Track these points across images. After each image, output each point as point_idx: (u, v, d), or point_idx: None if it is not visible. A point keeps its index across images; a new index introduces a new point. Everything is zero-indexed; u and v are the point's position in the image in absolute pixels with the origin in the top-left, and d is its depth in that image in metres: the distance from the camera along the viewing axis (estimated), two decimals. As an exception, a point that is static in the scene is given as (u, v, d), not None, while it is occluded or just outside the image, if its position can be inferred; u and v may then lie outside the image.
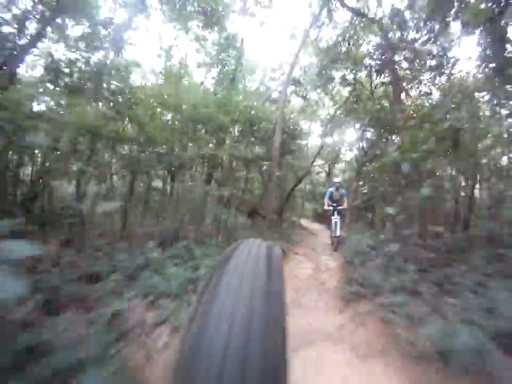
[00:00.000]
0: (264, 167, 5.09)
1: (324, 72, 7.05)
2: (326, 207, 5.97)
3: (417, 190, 2.89)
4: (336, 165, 14.74)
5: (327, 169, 14.61)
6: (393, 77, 5.18)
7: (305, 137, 12.59)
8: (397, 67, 5.49)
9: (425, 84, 5.91)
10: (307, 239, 6.91)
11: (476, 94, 3.90)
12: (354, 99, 7.53)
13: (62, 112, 2.84)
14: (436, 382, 1.20)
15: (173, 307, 1.82)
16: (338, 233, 5.52)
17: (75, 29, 3.73)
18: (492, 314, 1.34)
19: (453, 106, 3.54)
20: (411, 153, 3.09)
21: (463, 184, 4.28)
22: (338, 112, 9.89)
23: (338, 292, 2.59)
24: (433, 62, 5.35)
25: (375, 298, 2.14)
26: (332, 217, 5.75)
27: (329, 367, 1.39)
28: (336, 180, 6.25)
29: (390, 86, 5.67)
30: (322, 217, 10.65)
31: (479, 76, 4.19)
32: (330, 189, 6.10)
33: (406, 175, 3.33)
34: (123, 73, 3.58)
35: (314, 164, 13.29)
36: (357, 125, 9.31)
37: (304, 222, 11.95)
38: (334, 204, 5.82)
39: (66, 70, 3.15)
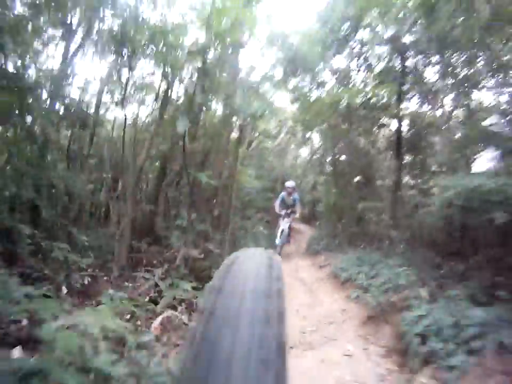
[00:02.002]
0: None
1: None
2: (278, 211, 5.78)
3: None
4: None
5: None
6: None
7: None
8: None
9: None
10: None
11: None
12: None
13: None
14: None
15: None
16: (283, 242, 5.55)
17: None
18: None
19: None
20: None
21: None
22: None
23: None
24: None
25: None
26: (281, 223, 5.61)
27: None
28: (288, 184, 5.91)
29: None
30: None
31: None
32: (282, 193, 5.89)
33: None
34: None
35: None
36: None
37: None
38: (288, 210, 5.69)
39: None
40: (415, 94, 5.93)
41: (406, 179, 7.75)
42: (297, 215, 5.80)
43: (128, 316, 2.29)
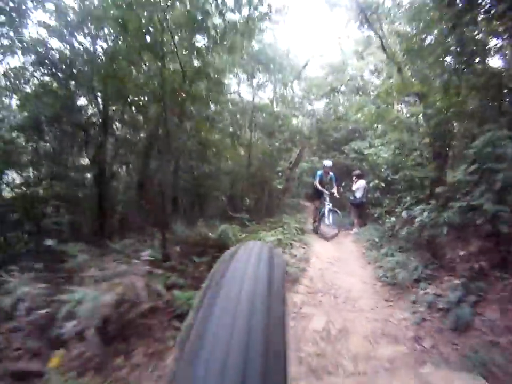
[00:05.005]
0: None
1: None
2: (319, 188, 5.69)
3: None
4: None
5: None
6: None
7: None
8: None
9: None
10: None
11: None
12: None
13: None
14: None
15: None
16: (331, 222, 5.33)
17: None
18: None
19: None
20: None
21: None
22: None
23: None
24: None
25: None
26: (325, 203, 5.49)
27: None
28: (326, 163, 5.88)
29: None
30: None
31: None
32: (320, 172, 5.84)
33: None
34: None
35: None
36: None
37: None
38: (325, 188, 5.49)
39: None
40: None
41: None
42: (335, 194, 5.79)
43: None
